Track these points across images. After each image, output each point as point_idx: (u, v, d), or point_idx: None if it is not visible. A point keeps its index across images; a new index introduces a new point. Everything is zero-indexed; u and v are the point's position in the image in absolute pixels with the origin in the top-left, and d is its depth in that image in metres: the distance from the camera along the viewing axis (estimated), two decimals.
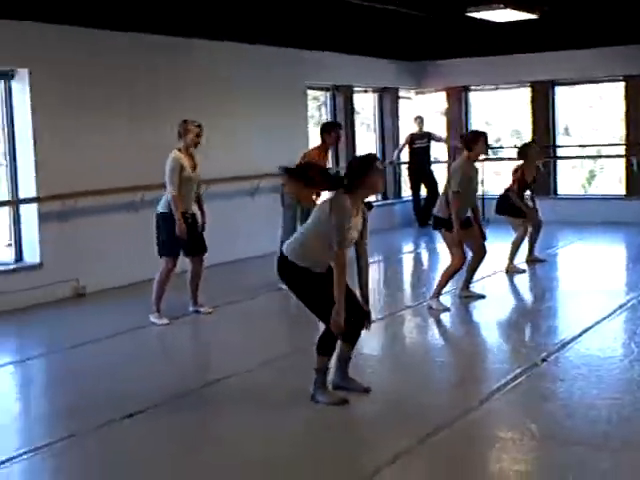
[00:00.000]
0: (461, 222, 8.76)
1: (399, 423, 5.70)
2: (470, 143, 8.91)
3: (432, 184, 15.68)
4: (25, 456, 5.30)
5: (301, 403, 6.04)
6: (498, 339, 8.22)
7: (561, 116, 16.14)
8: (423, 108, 16.82)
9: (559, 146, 16.19)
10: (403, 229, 15.72)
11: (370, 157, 6.12)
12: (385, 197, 16.29)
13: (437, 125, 16.81)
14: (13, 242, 10.00)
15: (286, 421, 5.82)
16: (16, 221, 9.95)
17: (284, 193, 10.22)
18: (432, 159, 16.34)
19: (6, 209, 10.00)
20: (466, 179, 8.76)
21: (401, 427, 5.60)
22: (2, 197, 9.99)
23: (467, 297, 9.30)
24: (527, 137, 15.89)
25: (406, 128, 16.35)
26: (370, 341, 7.59)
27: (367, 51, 14.85)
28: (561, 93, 16.01)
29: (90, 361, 7.56)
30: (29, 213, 9.89)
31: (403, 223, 16.02)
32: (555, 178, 16.03)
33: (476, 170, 9.07)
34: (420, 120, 15.98)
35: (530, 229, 11.08)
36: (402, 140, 16.26)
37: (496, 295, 9.67)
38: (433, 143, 16.18)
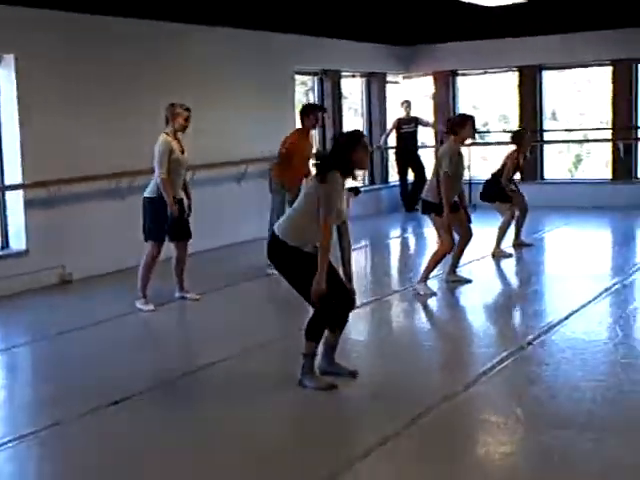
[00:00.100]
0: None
1: (386, 407, 5.72)
2: (457, 127, 8.90)
3: (419, 169, 15.67)
4: (10, 444, 5.29)
5: (289, 388, 6.06)
6: (484, 323, 8.25)
7: (548, 101, 16.14)
8: (411, 92, 16.78)
9: (546, 130, 16.20)
10: (390, 214, 15.73)
11: (356, 133, 6.15)
12: (372, 182, 16.31)
13: (424, 109, 16.78)
14: None
15: (274, 406, 5.83)
16: (1, 208, 9.91)
17: (271, 178, 10.21)
18: (419, 144, 16.31)
19: None
20: (454, 162, 8.77)
21: (388, 411, 5.63)
22: None
23: (454, 281, 9.32)
24: (514, 122, 15.93)
25: (393, 113, 16.33)
26: (357, 326, 7.62)
27: (355, 35, 14.80)
28: (548, 77, 16.02)
29: (76, 348, 7.55)
30: (15, 200, 9.84)
31: (390, 208, 16.02)
32: (542, 163, 16.05)
33: (462, 155, 9.05)
34: (407, 105, 15.95)
35: (517, 213, 11.11)
36: (389, 125, 16.24)
37: (483, 279, 9.69)
38: (420, 128, 16.14)
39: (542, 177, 16.02)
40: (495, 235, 10.83)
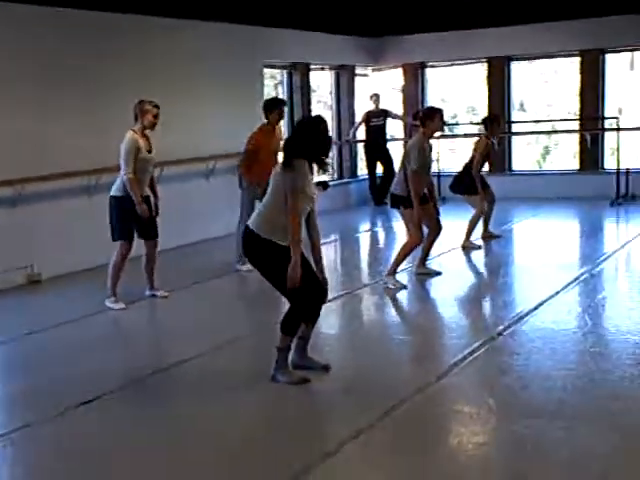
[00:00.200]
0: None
1: (359, 400, 5.73)
2: (425, 119, 8.90)
3: (388, 162, 15.67)
4: None
5: (261, 383, 6.06)
6: (455, 314, 8.27)
7: (516, 92, 16.21)
8: (380, 85, 16.79)
9: (515, 122, 16.27)
10: (359, 208, 15.73)
11: (317, 119, 6.16)
12: (341, 176, 16.30)
13: (394, 102, 16.80)
14: None
15: (246, 402, 5.83)
16: None
17: (240, 175, 10.18)
18: (388, 137, 16.32)
19: None
20: (422, 156, 8.77)
21: (361, 403, 5.64)
22: None
23: (423, 274, 9.34)
24: (483, 114, 15.95)
25: (363, 106, 16.32)
26: (328, 320, 7.62)
27: (323, 27, 14.76)
28: (516, 69, 16.09)
29: (45, 348, 7.48)
30: None
31: (359, 202, 16.03)
32: (510, 154, 16.12)
33: (430, 147, 9.08)
34: (376, 98, 15.95)
35: (485, 205, 11.15)
36: (358, 118, 16.23)
37: (452, 271, 9.73)
38: (389, 121, 16.14)
39: (510, 169, 16.09)
40: (465, 227, 10.87)
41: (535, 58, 16.18)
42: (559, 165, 17.03)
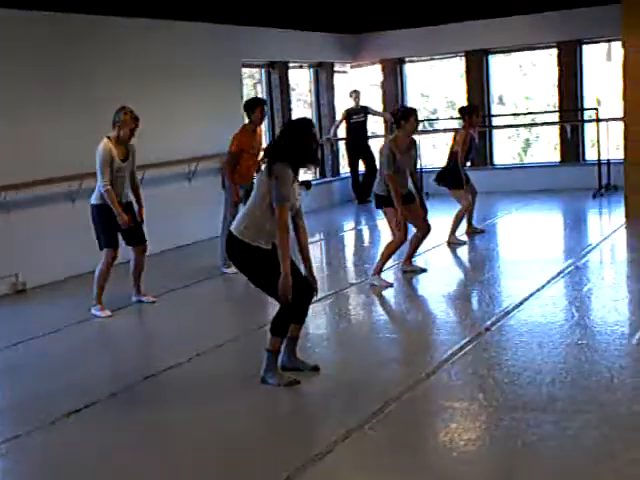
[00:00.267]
0: (402, 198, 8.79)
1: (349, 399, 5.74)
2: (400, 120, 8.91)
3: (370, 160, 15.64)
4: None
5: (251, 386, 6.05)
6: (442, 311, 8.27)
7: (495, 85, 16.24)
8: (359, 82, 16.80)
9: (495, 115, 16.31)
10: (342, 206, 15.74)
11: (304, 121, 6.12)
12: (323, 174, 16.29)
13: (373, 98, 16.80)
14: None
15: (237, 405, 5.82)
16: None
17: (223, 176, 10.17)
18: (369, 134, 16.32)
19: None
20: (393, 161, 8.74)
21: (352, 403, 5.65)
22: None
23: (409, 271, 9.35)
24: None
25: (342, 103, 16.31)
26: (316, 320, 7.64)
27: (301, 25, 14.74)
28: (495, 62, 16.12)
29: (31, 358, 7.44)
30: None
31: (342, 200, 16.03)
32: (491, 148, 16.16)
33: (408, 146, 8.97)
34: (356, 94, 15.92)
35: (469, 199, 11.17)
36: (338, 116, 16.23)
37: (438, 268, 9.75)
38: (370, 117, 16.13)
39: (492, 163, 16.13)
40: (451, 223, 10.89)
41: (513, 51, 16.22)
42: (540, 158, 17.08)
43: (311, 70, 16.26)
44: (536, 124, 16.85)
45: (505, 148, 17.14)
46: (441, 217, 11.17)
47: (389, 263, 9.16)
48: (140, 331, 8.64)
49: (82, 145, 10.17)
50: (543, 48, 15.87)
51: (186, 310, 8.77)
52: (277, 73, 14.89)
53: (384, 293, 8.74)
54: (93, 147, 8.37)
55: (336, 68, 16.56)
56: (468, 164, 11.38)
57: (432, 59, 16.89)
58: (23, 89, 10.12)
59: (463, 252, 10.69)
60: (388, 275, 9.16)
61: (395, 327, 7.92)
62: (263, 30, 13.88)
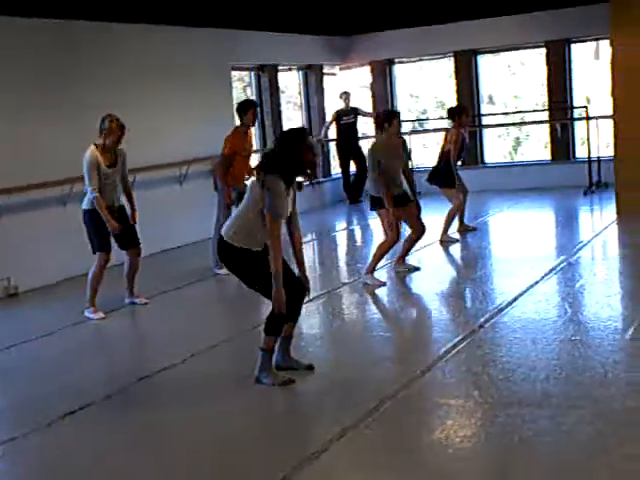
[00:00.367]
0: (396, 198, 8.79)
1: (344, 398, 5.74)
2: (384, 123, 8.94)
3: (360, 160, 15.62)
4: None
5: (246, 386, 6.05)
6: (436, 309, 8.29)
7: (484, 85, 16.27)
8: (348, 84, 16.81)
9: (484, 114, 16.34)
10: (334, 207, 15.74)
11: (300, 132, 6.06)
12: (314, 175, 16.25)
13: (363, 100, 16.82)
14: None
15: (232, 405, 5.83)
16: None
17: (215, 178, 10.16)
18: (360, 134, 16.33)
19: None
20: (381, 159, 8.75)
21: (346, 402, 5.65)
22: None
23: (402, 270, 9.35)
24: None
25: (332, 104, 16.33)
26: (309, 320, 7.64)
27: (290, 28, 14.75)
28: (483, 62, 16.14)
29: (24, 361, 7.43)
30: None
31: (334, 201, 16.04)
32: (482, 147, 16.19)
33: (397, 147, 8.99)
34: (346, 96, 15.95)
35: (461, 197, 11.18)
36: (329, 117, 16.24)
37: (431, 266, 9.76)
38: (360, 118, 16.15)
39: (483, 162, 16.16)
40: (443, 221, 10.91)
41: (501, 51, 16.25)
42: (530, 156, 17.10)
43: (300, 72, 16.26)
44: (526, 123, 16.89)
45: (495, 147, 17.17)
46: (433, 216, 11.18)
47: (382, 262, 9.17)
48: (134, 333, 8.63)
49: (73, 149, 10.14)
50: (532, 48, 15.89)
51: (179, 311, 8.76)
52: (267, 76, 14.89)
53: (377, 292, 8.75)
54: (83, 152, 8.36)
55: (325, 70, 16.58)
56: (459, 163, 11.39)
57: (421, 60, 16.91)
58: (15, 94, 10.10)
59: (455, 250, 10.70)
60: (381, 274, 9.17)
61: (389, 325, 7.93)
62: (252, 33, 13.89)
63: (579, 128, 15.33)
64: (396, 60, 16.78)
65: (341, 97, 15.98)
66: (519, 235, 11.45)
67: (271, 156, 5.96)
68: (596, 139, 14.46)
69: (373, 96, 16.89)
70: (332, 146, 16.53)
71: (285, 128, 14.86)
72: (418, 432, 5.23)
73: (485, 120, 16.41)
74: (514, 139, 17.93)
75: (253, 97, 14.72)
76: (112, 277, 8.81)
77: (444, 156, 11.05)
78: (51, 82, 10.56)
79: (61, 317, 8.62)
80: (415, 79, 17.46)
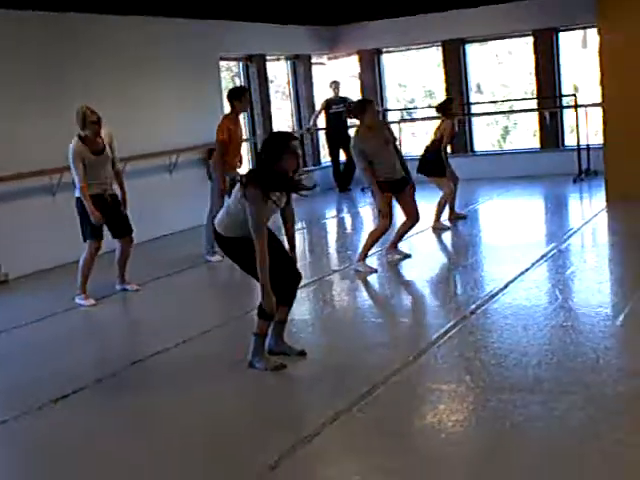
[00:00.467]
0: (393, 183, 8.79)
1: (336, 383, 5.75)
2: (359, 114, 8.93)
3: (350, 149, 15.66)
4: None
5: (238, 371, 6.07)
6: (427, 296, 8.32)
7: (472, 74, 16.27)
8: (337, 73, 16.80)
9: (473, 103, 16.34)
10: (324, 195, 15.72)
11: (283, 137, 5.96)
12: (304, 164, 16.28)
13: (352, 89, 16.81)
14: None
15: (224, 389, 5.84)
16: None
17: (209, 166, 10.14)
18: (349, 124, 16.30)
19: None
20: (364, 149, 8.75)
21: (339, 387, 5.66)
22: None
23: (394, 257, 9.36)
24: (441, 97, 15.98)
25: (321, 94, 16.32)
26: (301, 306, 7.64)
27: (277, 18, 14.73)
28: (471, 51, 16.14)
29: (15, 347, 7.44)
30: None
31: (323, 189, 16.01)
32: (471, 135, 16.20)
33: (379, 133, 8.92)
34: (336, 85, 15.96)
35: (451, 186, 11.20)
36: (317, 106, 16.23)
37: (423, 253, 9.76)
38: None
39: (472, 149, 16.17)
40: (434, 209, 10.92)
41: (489, 40, 16.24)
42: (519, 145, 17.13)
43: (288, 62, 16.24)
44: (515, 111, 16.90)
45: (485, 135, 17.18)
46: (425, 203, 11.15)
47: (373, 250, 9.17)
48: (125, 319, 8.62)
49: (63, 138, 10.12)
50: (519, 36, 15.89)
51: (171, 298, 8.77)
52: (255, 66, 14.87)
53: (369, 278, 8.76)
54: (70, 141, 8.35)
55: (313, 60, 16.55)
56: (449, 150, 11.40)
57: (409, 49, 16.89)
58: (4, 86, 10.06)
59: (447, 238, 10.72)
60: (372, 261, 9.18)
61: (380, 312, 7.93)
62: (240, 24, 13.87)
63: (568, 116, 15.34)
64: (384, 50, 16.76)
65: (331, 86, 15.99)
66: (509, 223, 11.47)
67: (257, 161, 5.95)
68: (585, 127, 14.47)
69: (362, 86, 16.86)
70: (322, 135, 16.49)
71: (274, 118, 14.92)
72: (410, 417, 5.25)
73: (474, 109, 16.41)
74: (502, 128, 17.94)
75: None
76: (103, 264, 8.80)
77: (434, 146, 11.05)
78: (42, 73, 10.53)
79: (52, 304, 8.61)
80: (403, 68, 17.44)
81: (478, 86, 17.06)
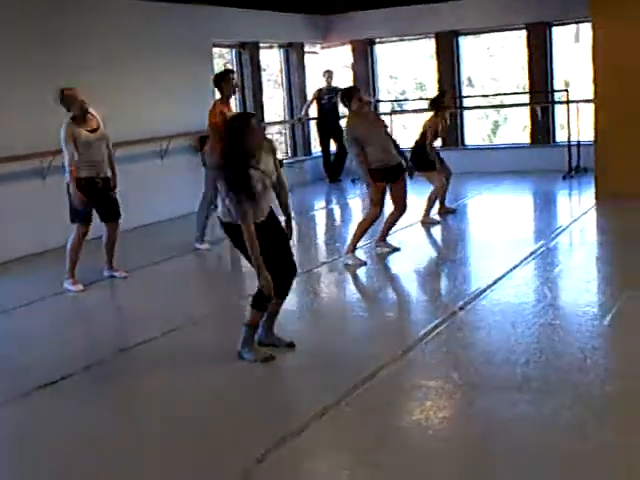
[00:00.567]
0: (388, 170, 8.78)
1: (325, 377, 5.76)
2: (347, 100, 8.93)
3: (341, 139, 15.56)
4: None
5: (226, 362, 6.06)
6: (415, 290, 8.32)
7: (464, 67, 16.25)
8: (330, 63, 16.75)
9: (465, 96, 16.33)
10: (314, 185, 15.73)
11: (244, 116, 6.01)
12: (295, 153, 16.27)
13: (344, 79, 16.75)
14: None
15: (212, 381, 5.83)
16: None
17: (203, 153, 10.08)
18: (340, 114, 16.26)
19: None
20: (361, 141, 8.74)
21: (327, 381, 5.66)
22: None
23: (383, 250, 9.36)
24: (433, 89, 15.98)
25: (314, 83, 16.28)
26: (290, 298, 7.57)
27: (271, 5, 14.68)
28: (464, 43, 16.12)
29: (4, 331, 7.43)
30: None
31: (314, 179, 16.03)
32: (462, 129, 16.19)
33: (367, 118, 8.96)
34: (329, 75, 15.90)
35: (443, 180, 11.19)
36: (309, 96, 16.19)
37: (412, 247, 9.76)
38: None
39: (463, 143, 16.17)
40: (425, 203, 10.93)
41: (482, 32, 16.22)
42: (509, 139, 17.13)
43: (281, 50, 16.20)
44: (507, 105, 16.90)
45: (476, 129, 17.18)
46: (415, 197, 11.16)
47: (361, 242, 9.17)
48: (113, 306, 8.61)
49: (53, 120, 10.05)
50: (513, 30, 15.87)
51: (159, 285, 8.76)
52: (248, 53, 14.82)
53: (357, 272, 8.75)
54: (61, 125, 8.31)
55: (307, 49, 16.51)
56: (440, 144, 11.39)
57: (402, 40, 16.86)
58: None
59: (435, 232, 10.72)
60: (361, 253, 9.17)
61: (369, 305, 7.93)
62: (233, 10, 13.82)
63: (559, 112, 15.35)
64: (376, 40, 16.72)
65: (324, 76, 15.93)
66: (498, 218, 11.48)
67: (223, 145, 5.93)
68: (576, 123, 14.48)
69: (355, 76, 16.82)
70: (313, 124, 16.45)
71: (266, 106, 14.89)
72: (398, 412, 5.27)
73: (466, 102, 16.41)
74: (493, 122, 17.95)
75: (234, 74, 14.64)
76: (91, 250, 8.78)
77: (421, 140, 11.07)
78: (31, 56, 10.44)
79: (40, 288, 8.59)
80: (394, 60, 17.41)
81: (469, 79, 17.04)
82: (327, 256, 9.92)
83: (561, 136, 15.24)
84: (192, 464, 4.63)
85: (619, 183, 11.39)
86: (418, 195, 11.16)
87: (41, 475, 4.71)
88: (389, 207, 9.30)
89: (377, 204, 8.90)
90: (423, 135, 11.08)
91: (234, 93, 9.98)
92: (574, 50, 16.04)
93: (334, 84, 15.88)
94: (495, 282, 7.84)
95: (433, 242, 10.51)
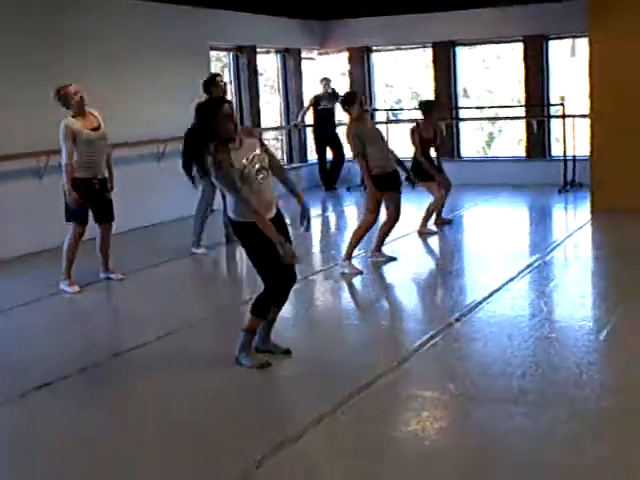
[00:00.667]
0: (386, 177, 8.79)
1: (321, 385, 5.75)
2: (349, 105, 8.95)
3: (337, 147, 15.67)
4: None
5: (222, 367, 6.06)
6: (411, 301, 8.31)
7: (460, 78, 16.28)
8: (327, 69, 16.77)
9: (461, 107, 16.36)
10: (310, 193, 15.67)
11: (216, 100, 6.05)
12: (290, 160, 16.27)
13: (341, 86, 16.75)
14: None
15: (208, 385, 5.83)
16: None
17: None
18: (336, 121, 16.28)
19: None
20: (363, 139, 8.76)
21: (323, 389, 5.65)
22: None
23: (379, 260, 9.36)
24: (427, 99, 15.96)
25: (310, 89, 16.29)
26: (286, 306, 7.59)
27: (269, 10, 14.70)
28: (461, 54, 16.15)
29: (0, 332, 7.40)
30: None
31: (309, 186, 16.02)
32: (458, 141, 16.22)
33: (366, 125, 9.00)
34: (327, 82, 15.91)
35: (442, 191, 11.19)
36: (306, 102, 16.20)
37: (408, 257, 9.77)
38: (338, 105, 16.05)
39: (459, 155, 16.20)
40: (423, 213, 10.94)
41: (479, 43, 16.26)
42: (503, 152, 17.17)
43: (278, 56, 16.21)
44: (503, 118, 16.93)
45: (471, 141, 17.21)
46: (411, 206, 11.20)
47: (356, 252, 9.16)
48: (109, 308, 8.60)
49: (51, 120, 10.04)
50: (510, 42, 15.91)
51: (156, 288, 8.77)
52: (245, 57, 14.84)
53: (353, 280, 8.75)
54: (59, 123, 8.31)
55: (304, 55, 16.53)
56: (434, 155, 11.37)
57: (399, 49, 16.89)
58: None
59: (432, 243, 10.72)
60: (357, 263, 9.16)
61: (365, 315, 7.93)
62: (231, 14, 13.84)
63: (555, 126, 15.39)
64: (373, 48, 16.74)
65: (321, 82, 15.94)
66: (494, 230, 11.50)
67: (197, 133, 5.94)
68: (572, 138, 14.52)
69: (351, 83, 16.84)
70: (309, 131, 16.46)
71: (262, 111, 14.86)
72: (394, 422, 5.27)
73: (462, 113, 16.43)
74: (487, 134, 17.98)
75: (231, 78, 14.72)
76: (87, 251, 8.76)
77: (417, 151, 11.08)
78: (30, 55, 10.44)
79: (36, 289, 8.58)
80: (390, 69, 17.43)
81: (465, 90, 17.07)
82: (323, 264, 9.91)
83: (557, 150, 15.27)
84: (189, 468, 4.63)
85: (614, 198, 11.44)
86: (415, 205, 11.19)
87: (36, 476, 4.70)
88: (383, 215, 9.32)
89: (373, 211, 8.92)
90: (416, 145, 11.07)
91: (224, 95, 10.00)
92: (570, 64, 16.08)
93: (330, 91, 15.85)
94: (491, 294, 7.85)
95: (430, 252, 10.51)
